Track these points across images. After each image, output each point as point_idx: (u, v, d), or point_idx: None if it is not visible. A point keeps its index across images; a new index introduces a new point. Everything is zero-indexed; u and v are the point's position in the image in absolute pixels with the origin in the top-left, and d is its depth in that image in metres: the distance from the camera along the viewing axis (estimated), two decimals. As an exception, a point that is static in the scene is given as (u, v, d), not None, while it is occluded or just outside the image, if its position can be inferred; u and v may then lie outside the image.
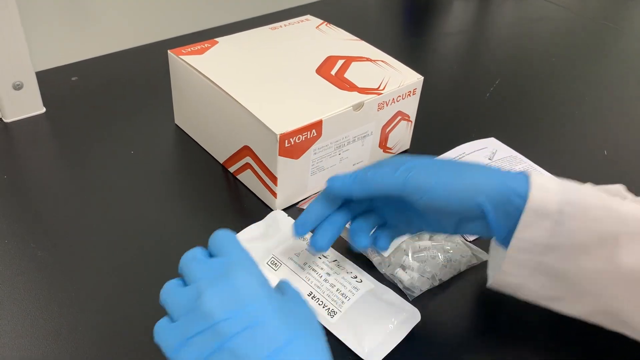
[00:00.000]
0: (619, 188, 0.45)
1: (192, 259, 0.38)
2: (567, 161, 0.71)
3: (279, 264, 0.52)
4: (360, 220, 0.51)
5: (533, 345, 0.49)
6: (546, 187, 0.42)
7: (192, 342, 0.34)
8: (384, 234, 0.51)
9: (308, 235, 0.54)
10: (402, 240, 0.54)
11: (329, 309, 0.49)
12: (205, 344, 0.34)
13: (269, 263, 0.52)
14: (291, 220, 0.56)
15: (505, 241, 0.44)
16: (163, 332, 0.36)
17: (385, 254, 0.53)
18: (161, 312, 0.48)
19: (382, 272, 0.54)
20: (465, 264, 0.54)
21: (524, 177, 0.43)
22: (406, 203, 0.45)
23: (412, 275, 0.52)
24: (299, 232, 0.50)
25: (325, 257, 0.53)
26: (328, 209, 0.49)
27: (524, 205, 0.42)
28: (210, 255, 0.39)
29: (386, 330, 0.48)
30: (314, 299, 0.50)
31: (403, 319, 0.49)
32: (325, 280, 0.51)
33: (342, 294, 0.50)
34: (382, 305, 0.50)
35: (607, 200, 0.42)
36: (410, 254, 0.54)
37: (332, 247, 0.53)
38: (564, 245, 0.42)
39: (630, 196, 0.45)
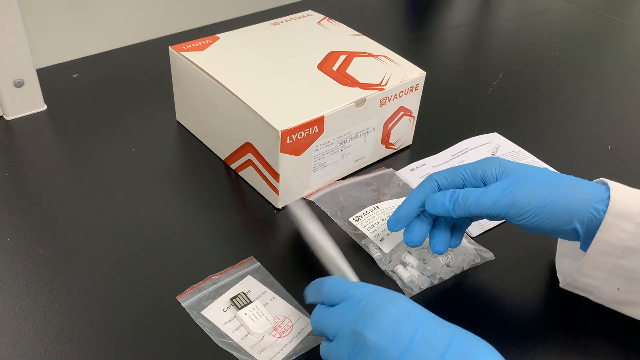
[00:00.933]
0: None
1: (321, 319, 0.42)
2: (570, 155, 0.70)
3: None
4: (441, 224, 0.51)
5: (534, 345, 0.49)
6: (627, 193, 0.44)
7: None
8: (457, 234, 0.51)
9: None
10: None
11: None
12: None
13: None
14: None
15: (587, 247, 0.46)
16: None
17: (386, 250, 0.53)
18: (163, 308, 0.49)
19: (382, 268, 0.53)
20: (469, 263, 0.54)
21: (605, 185, 0.45)
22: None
23: (412, 273, 0.52)
24: (393, 228, 0.51)
25: None
26: (419, 207, 0.50)
27: (606, 211, 0.43)
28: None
29: None
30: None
31: None
32: None
33: None
34: None
35: None
36: (411, 252, 0.53)
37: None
38: None
39: None
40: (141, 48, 0.85)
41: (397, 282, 0.52)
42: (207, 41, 0.66)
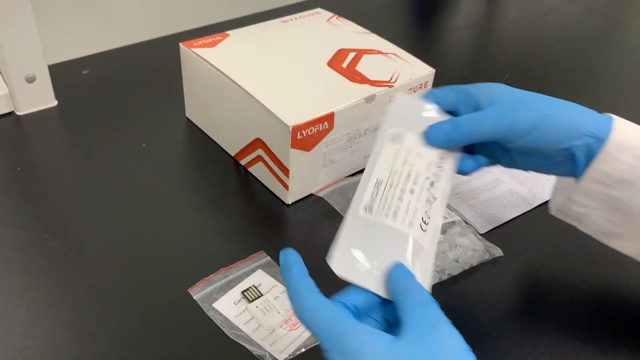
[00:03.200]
0: None
1: None
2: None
3: (399, 142, 0.46)
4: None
5: (544, 341, 0.49)
6: (628, 125, 0.44)
7: None
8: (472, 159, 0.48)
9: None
10: None
11: (368, 206, 0.42)
12: None
13: (392, 133, 0.46)
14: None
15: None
16: None
17: None
18: (174, 300, 0.49)
19: None
20: (477, 259, 0.54)
21: (609, 117, 0.45)
22: (500, 144, 0.46)
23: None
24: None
25: (433, 181, 0.44)
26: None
27: (606, 141, 0.43)
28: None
29: None
30: (376, 186, 0.43)
31: None
32: (403, 190, 0.43)
33: (395, 213, 0.42)
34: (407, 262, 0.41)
35: None
36: None
37: None
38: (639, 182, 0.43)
39: None
40: (151, 45, 0.86)
41: None
42: (217, 38, 0.66)
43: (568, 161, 0.45)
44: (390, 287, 0.38)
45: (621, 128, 0.44)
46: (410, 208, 0.42)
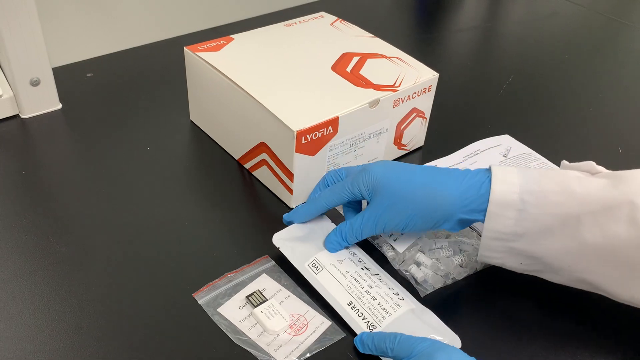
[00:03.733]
0: (591, 164, 0.49)
1: None
2: (581, 158, 0.70)
3: (321, 268, 0.52)
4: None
5: (549, 344, 0.49)
6: (507, 180, 0.47)
7: None
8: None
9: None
10: (418, 237, 0.54)
11: (368, 321, 0.48)
12: None
13: (310, 265, 0.52)
14: (334, 225, 0.56)
15: None
16: None
17: (400, 249, 0.54)
18: (179, 305, 0.49)
19: (396, 268, 0.54)
20: (482, 263, 0.54)
21: (486, 174, 0.49)
22: None
23: (425, 272, 0.52)
24: (291, 217, 0.56)
25: (367, 269, 0.53)
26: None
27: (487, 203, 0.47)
28: None
29: None
30: (354, 309, 0.49)
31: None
32: (367, 292, 0.50)
33: (384, 309, 0.49)
34: (422, 326, 0.48)
35: (567, 184, 0.47)
36: (425, 251, 0.54)
37: (375, 260, 0.54)
38: (531, 231, 0.47)
39: (602, 170, 0.49)
40: (155, 48, 0.86)
41: (410, 281, 0.53)
42: (222, 42, 0.66)
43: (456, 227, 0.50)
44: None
45: (498, 188, 0.47)
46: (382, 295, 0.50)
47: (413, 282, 0.53)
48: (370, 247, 0.56)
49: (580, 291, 0.50)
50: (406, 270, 0.53)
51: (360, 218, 0.52)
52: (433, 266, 0.53)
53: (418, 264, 0.53)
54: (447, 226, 0.50)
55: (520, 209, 0.47)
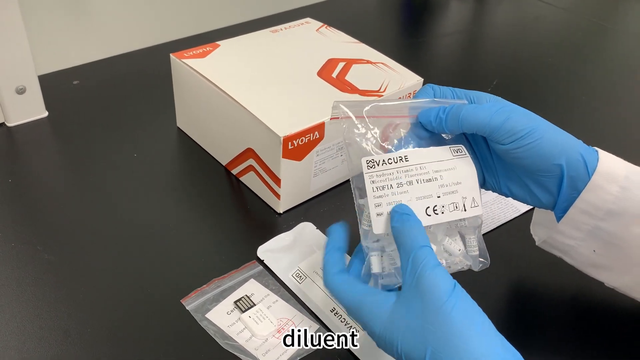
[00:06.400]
0: None
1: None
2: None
3: (304, 277, 0.53)
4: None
5: (535, 350, 0.50)
6: (612, 157, 0.44)
7: None
8: None
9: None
10: None
11: (351, 326, 0.49)
12: None
13: (294, 275, 0.53)
14: (319, 233, 0.57)
15: (561, 211, 0.45)
16: None
17: (377, 231, 0.45)
18: (168, 311, 0.49)
19: (363, 246, 0.52)
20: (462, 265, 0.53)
21: (594, 149, 0.45)
22: (486, 145, 0.47)
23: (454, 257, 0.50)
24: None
25: None
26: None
27: (593, 172, 0.43)
28: None
29: None
30: (337, 315, 0.50)
31: None
32: None
33: None
34: None
35: None
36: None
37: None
38: (627, 212, 0.43)
39: None
40: (141, 55, 0.86)
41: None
42: (207, 48, 0.67)
43: (551, 184, 0.45)
44: (392, 228, 0.41)
45: (606, 159, 0.44)
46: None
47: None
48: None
49: (568, 290, 0.50)
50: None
51: (476, 104, 0.44)
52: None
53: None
54: (562, 162, 0.43)
55: (623, 186, 0.43)
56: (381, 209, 0.42)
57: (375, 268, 0.43)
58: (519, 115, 0.43)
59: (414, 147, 0.44)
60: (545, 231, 0.49)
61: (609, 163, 0.44)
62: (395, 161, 0.43)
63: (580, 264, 0.48)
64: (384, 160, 0.43)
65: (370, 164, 0.43)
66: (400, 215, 0.41)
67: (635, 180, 0.43)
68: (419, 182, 0.42)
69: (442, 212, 0.43)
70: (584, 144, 0.45)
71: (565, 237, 0.46)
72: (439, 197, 0.43)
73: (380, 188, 0.42)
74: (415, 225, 0.40)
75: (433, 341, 0.36)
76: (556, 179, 0.44)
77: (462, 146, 0.45)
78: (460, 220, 0.44)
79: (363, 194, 0.43)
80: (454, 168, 0.44)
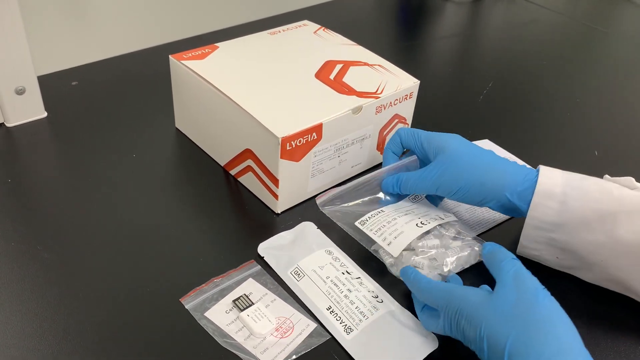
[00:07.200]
0: (630, 179, 0.53)
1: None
2: (559, 161, 0.71)
3: (302, 275, 0.53)
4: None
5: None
6: (552, 176, 0.52)
7: None
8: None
9: (332, 249, 0.56)
10: (410, 241, 0.54)
11: (345, 325, 0.50)
12: None
13: (293, 273, 0.54)
14: (320, 233, 0.58)
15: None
16: None
17: (395, 253, 0.53)
18: (167, 310, 0.50)
19: (394, 274, 0.54)
20: (475, 257, 0.55)
21: (536, 170, 0.53)
22: None
23: (425, 274, 0.52)
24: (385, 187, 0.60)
25: (349, 273, 0.54)
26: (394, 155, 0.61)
27: (532, 194, 0.51)
28: None
29: (401, 354, 0.48)
30: (332, 313, 0.51)
31: (419, 344, 0.49)
32: (346, 296, 0.52)
33: (361, 312, 0.51)
34: (399, 327, 0.50)
35: (606, 185, 0.51)
36: (419, 254, 0.54)
37: (357, 264, 0.55)
38: (569, 223, 0.51)
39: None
40: (140, 56, 0.87)
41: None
42: (206, 50, 0.67)
43: (503, 209, 0.54)
44: (485, 255, 0.49)
45: (544, 180, 0.52)
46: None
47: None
48: (368, 256, 0.57)
49: (565, 285, 0.51)
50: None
51: (422, 172, 0.56)
52: (429, 266, 0.53)
53: (415, 267, 0.53)
54: (491, 204, 0.53)
55: (561, 200, 0.51)
56: (387, 240, 0.54)
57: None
58: (447, 180, 0.54)
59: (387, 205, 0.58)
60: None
61: (546, 183, 0.51)
62: (377, 213, 0.57)
63: (554, 266, 0.55)
64: (369, 216, 0.56)
65: (362, 222, 0.56)
66: (491, 246, 0.50)
67: (572, 194, 0.51)
68: (400, 216, 0.56)
69: (429, 222, 0.55)
70: (524, 172, 0.53)
71: (529, 249, 0.55)
72: (419, 218, 0.56)
73: (377, 230, 0.55)
74: (502, 250, 0.48)
75: (520, 326, 0.41)
76: (503, 209, 0.54)
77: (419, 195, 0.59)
78: (444, 224, 0.56)
79: (371, 243, 0.56)
80: (419, 206, 0.58)
